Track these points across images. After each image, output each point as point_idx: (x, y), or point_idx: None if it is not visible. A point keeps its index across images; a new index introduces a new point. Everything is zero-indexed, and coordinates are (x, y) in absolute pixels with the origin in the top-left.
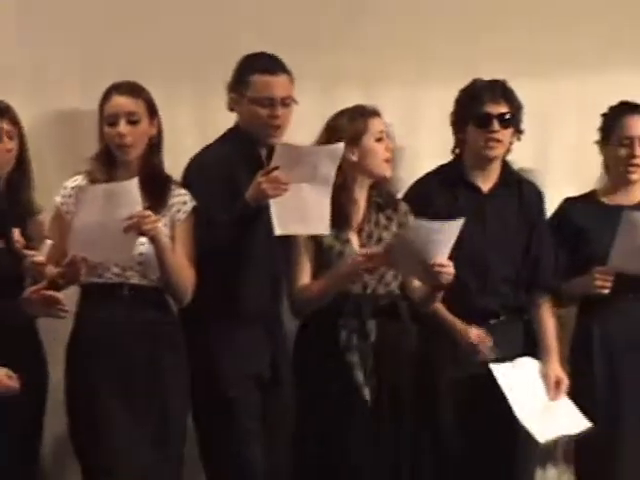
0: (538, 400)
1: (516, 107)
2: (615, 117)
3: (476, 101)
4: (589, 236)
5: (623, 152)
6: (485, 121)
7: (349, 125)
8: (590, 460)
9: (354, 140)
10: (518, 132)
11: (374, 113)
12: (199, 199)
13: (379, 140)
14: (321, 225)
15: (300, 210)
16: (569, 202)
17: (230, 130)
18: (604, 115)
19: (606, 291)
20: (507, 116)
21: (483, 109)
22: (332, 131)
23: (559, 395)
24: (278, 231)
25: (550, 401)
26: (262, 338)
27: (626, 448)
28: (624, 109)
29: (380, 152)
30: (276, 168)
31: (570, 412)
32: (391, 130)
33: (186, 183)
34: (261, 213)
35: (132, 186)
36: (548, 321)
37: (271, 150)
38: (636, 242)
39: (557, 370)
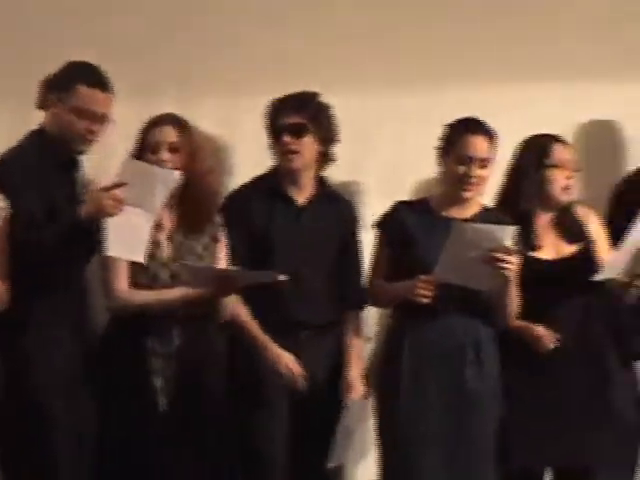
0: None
1: (311, 117)
2: (457, 133)
3: (272, 114)
4: (416, 243)
5: (461, 170)
6: (278, 133)
7: (147, 134)
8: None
9: (154, 149)
10: (323, 141)
11: (168, 122)
12: (13, 204)
13: (173, 151)
14: (140, 254)
15: (127, 234)
16: (401, 206)
17: (36, 132)
18: (447, 127)
19: (427, 300)
20: (298, 126)
21: (276, 122)
22: (137, 140)
23: (352, 397)
24: (109, 252)
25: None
26: (72, 337)
27: (430, 460)
28: (467, 127)
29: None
30: (122, 184)
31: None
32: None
33: None
34: (92, 230)
35: None
36: (353, 335)
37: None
38: (462, 254)
39: (350, 378)
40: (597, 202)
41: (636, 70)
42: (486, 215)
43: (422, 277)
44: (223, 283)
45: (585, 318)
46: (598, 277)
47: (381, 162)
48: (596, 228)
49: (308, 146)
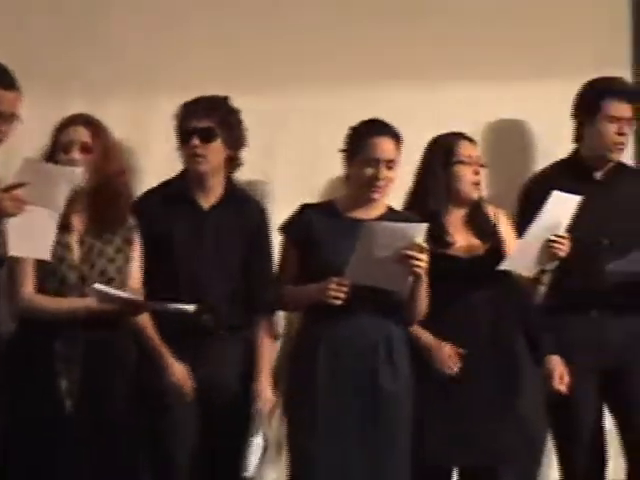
0: None
1: (221, 121)
2: (363, 135)
3: (182, 117)
4: (324, 246)
5: (368, 172)
6: (185, 137)
7: (60, 133)
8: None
9: (65, 149)
10: (231, 146)
11: (80, 122)
12: None
13: (85, 150)
14: (45, 251)
15: (31, 233)
16: (307, 209)
17: None
18: (352, 129)
19: (339, 302)
20: (207, 131)
21: (185, 125)
22: (50, 139)
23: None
24: (12, 252)
25: None
26: None
27: (348, 459)
28: (373, 128)
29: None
30: (22, 184)
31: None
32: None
33: None
34: None
35: None
36: (264, 341)
37: None
38: (374, 254)
39: (260, 387)
40: (505, 201)
41: (543, 69)
42: (392, 216)
43: (334, 279)
44: (133, 307)
45: (496, 315)
46: (502, 266)
47: (289, 164)
48: (506, 228)
49: (216, 151)
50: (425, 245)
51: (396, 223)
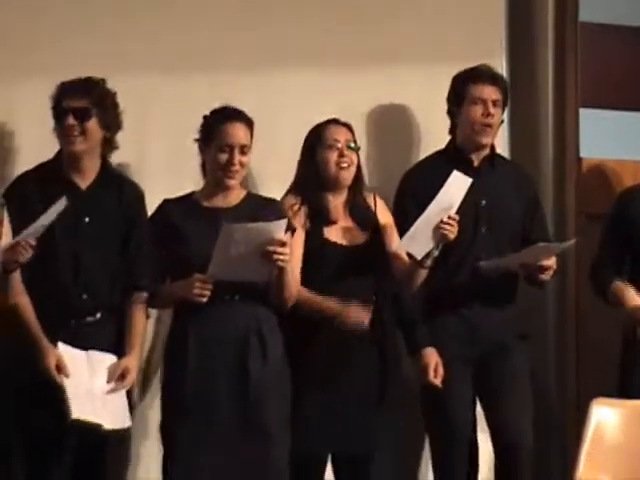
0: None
1: (96, 102)
2: (215, 123)
3: (58, 97)
4: (186, 239)
5: (223, 158)
6: (61, 116)
7: None
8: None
9: None
10: (107, 127)
11: None
12: None
13: None
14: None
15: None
16: (167, 204)
17: None
18: (205, 118)
19: (204, 299)
20: (82, 110)
21: (60, 104)
22: None
23: (120, 385)
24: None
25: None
26: None
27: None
28: (224, 115)
29: None
30: None
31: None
32: None
33: None
34: None
35: None
36: (138, 319)
37: None
38: (235, 252)
39: (129, 363)
40: (386, 187)
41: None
42: (250, 201)
43: (198, 276)
44: (15, 251)
45: (373, 304)
46: (402, 245)
47: (165, 150)
48: (384, 216)
49: (92, 130)
50: (285, 239)
51: (255, 223)
